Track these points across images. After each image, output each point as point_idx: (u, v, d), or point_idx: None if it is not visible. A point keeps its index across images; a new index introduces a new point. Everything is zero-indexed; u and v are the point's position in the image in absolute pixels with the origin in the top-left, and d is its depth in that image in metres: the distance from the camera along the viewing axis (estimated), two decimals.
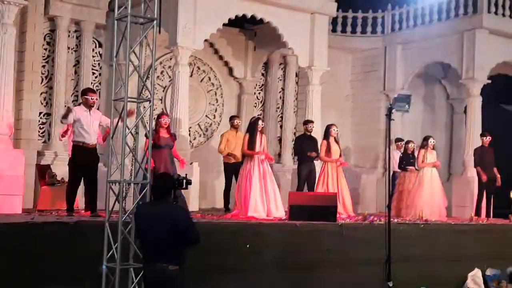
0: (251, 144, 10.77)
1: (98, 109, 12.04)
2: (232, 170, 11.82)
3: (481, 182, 13.35)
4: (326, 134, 12.19)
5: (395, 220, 11.22)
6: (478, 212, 13.24)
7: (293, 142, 15.68)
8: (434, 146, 12.82)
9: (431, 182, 12.52)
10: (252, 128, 10.91)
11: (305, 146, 12.21)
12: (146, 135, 8.70)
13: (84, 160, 9.18)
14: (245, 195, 10.63)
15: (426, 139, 12.80)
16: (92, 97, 9.33)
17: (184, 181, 6.33)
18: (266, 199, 10.73)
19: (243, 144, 10.99)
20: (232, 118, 12.33)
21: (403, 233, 10.48)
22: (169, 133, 10.25)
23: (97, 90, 13.39)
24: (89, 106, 9.27)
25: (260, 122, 11.02)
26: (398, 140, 14.42)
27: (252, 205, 10.52)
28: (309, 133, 12.37)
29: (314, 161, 12.27)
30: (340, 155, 12.25)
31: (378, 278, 8.76)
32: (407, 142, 13.48)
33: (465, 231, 11.52)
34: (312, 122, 12.69)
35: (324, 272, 9.39)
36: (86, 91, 9.49)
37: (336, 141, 12.18)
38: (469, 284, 10.79)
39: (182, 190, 7.03)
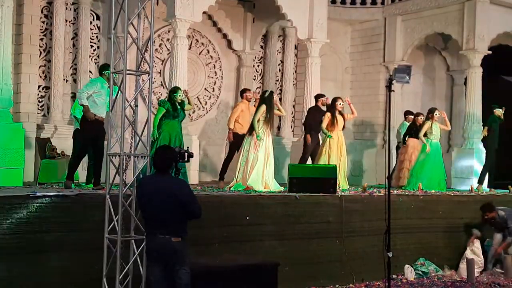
0: (269, 118, 10.72)
1: None
2: (239, 141, 11.61)
3: (489, 152, 13.33)
4: (332, 107, 12.11)
5: (395, 191, 11.25)
6: (481, 181, 13.25)
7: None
8: (439, 118, 12.82)
9: (435, 155, 12.55)
10: (268, 102, 10.86)
11: (312, 117, 12.21)
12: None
13: (95, 132, 9.20)
14: (252, 166, 10.60)
15: (431, 111, 12.79)
16: None
17: (186, 154, 6.34)
18: (266, 172, 10.75)
19: (257, 115, 10.83)
20: (245, 91, 12.18)
21: (403, 204, 10.54)
22: (181, 106, 10.51)
23: (95, 63, 13.35)
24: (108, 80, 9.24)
25: (275, 96, 11.02)
26: (408, 113, 14.26)
27: (254, 175, 10.54)
28: (323, 106, 12.34)
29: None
30: (344, 127, 12.19)
31: (378, 248, 8.81)
32: (417, 115, 13.48)
33: (464, 202, 11.58)
34: (323, 95, 12.67)
35: (324, 243, 9.46)
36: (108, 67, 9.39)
37: (341, 114, 12.11)
38: (468, 254, 10.87)
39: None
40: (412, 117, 13.87)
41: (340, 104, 12.07)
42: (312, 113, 12.53)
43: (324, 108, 12.41)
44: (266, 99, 10.86)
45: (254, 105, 11.54)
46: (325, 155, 11.85)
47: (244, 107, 11.85)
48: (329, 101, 12.31)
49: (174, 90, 10.48)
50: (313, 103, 12.87)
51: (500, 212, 10.73)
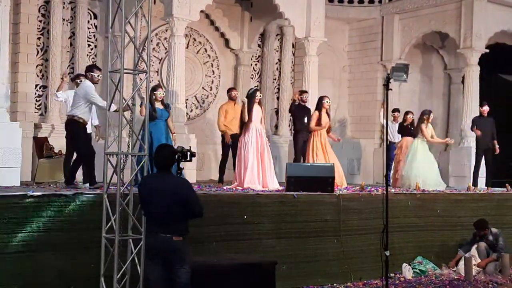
0: (248, 114, 10.76)
1: None
2: (230, 142, 11.78)
3: (478, 152, 13.37)
4: (319, 106, 12.12)
5: (393, 190, 11.24)
6: (475, 182, 13.28)
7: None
8: (431, 120, 12.80)
9: (424, 152, 12.54)
10: (249, 99, 10.90)
11: (298, 116, 12.20)
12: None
13: (87, 135, 9.40)
14: (245, 167, 10.65)
15: (426, 113, 12.74)
16: (99, 75, 9.31)
17: (188, 153, 6.34)
18: (262, 171, 10.77)
19: (241, 114, 10.98)
20: (229, 90, 12.27)
21: (400, 202, 10.53)
22: (163, 104, 10.28)
23: (93, 62, 13.34)
24: (94, 83, 9.24)
25: (258, 94, 11.01)
26: (395, 110, 14.25)
27: (248, 177, 10.58)
28: (304, 103, 12.33)
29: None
30: (329, 128, 12.17)
31: (375, 247, 8.79)
32: (406, 113, 13.44)
33: (462, 200, 11.58)
34: (306, 92, 12.67)
35: (322, 242, 9.45)
36: (93, 68, 9.39)
37: (328, 114, 12.12)
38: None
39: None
40: (398, 114, 13.92)
41: (327, 102, 12.05)
42: (296, 111, 12.46)
43: (307, 105, 12.35)
44: (248, 97, 10.92)
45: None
46: (313, 154, 11.85)
47: (228, 107, 11.83)
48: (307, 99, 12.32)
49: (154, 88, 10.13)
50: (311, 102, 12.83)
51: (493, 229, 10.73)
